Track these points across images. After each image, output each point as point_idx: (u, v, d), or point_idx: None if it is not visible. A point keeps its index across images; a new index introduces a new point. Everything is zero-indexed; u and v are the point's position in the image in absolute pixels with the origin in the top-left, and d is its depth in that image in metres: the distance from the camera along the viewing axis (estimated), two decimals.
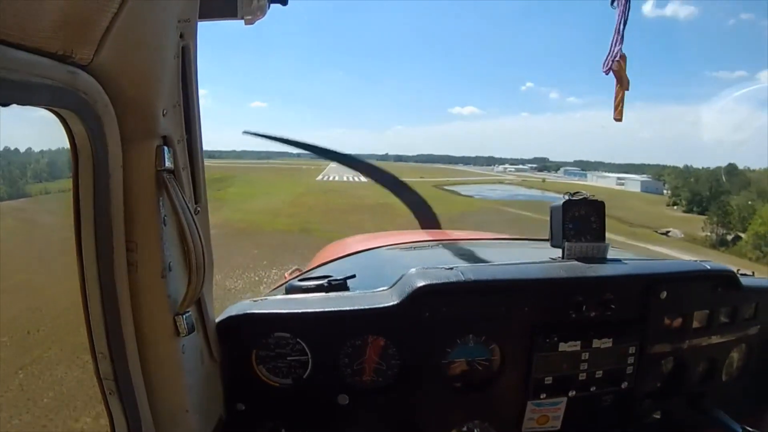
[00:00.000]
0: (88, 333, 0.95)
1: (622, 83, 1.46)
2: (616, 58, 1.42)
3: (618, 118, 1.52)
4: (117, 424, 1.01)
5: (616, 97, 1.48)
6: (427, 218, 3.42)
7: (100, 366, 0.97)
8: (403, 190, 3.63)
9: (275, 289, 2.12)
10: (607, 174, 77.13)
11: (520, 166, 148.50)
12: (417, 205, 3.52)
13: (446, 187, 50.76)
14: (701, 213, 36.19)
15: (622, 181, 65.14)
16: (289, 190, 36.04)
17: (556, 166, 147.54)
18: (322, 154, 3.71)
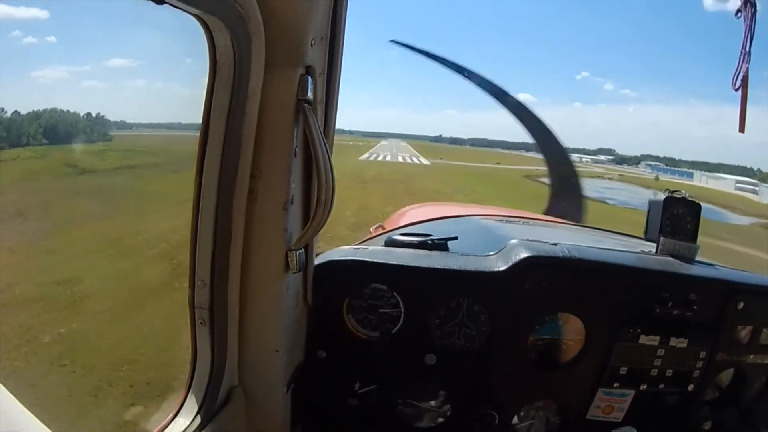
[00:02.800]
0: (192, 258, 0.93)
1: (745, 94, 1.42)
2: (744, 74, 1.40)
3: (742, 131, 1.49)
4: (200, 356, 0.99)
5: (740, 109, 1.45)
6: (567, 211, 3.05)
7: (196, 293, 0.95)
8: (563, 169, 3.40)
9: (365, 241, 1.98)
10: (723, 175, 64.56)
11: (596, 157, 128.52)
12: (565, 193, 3.20)
13: (543, 180, 34.19)
14: None
15: (750, 187, 52.92)
16: None
17: (636, 160, 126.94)
18: (462, 73, 3.86)
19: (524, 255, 1.37)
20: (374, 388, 1.45)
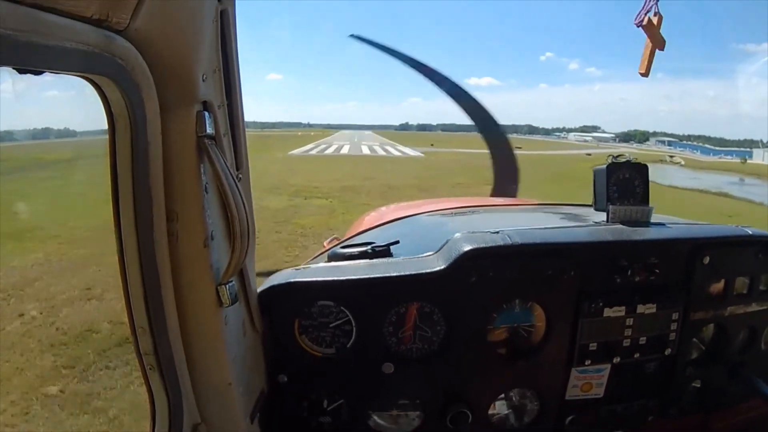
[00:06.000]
0: (128, 307, 0.96)
1: (655, 40, 1.50)
2: (650, 13, 1.46)
3: (643, 72, 1.56)
4: (157, 399, 1.04)
5: (644, 52, 1.52)
6: (506, 187, 3.37)
7: (140, 341, 0.98)
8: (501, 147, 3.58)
9: (315, 257, 2.07)
10: None
11: (598, 135, 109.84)
12: (504, 170, 3.42)
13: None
14: None
15: None
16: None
17: (643, 136, 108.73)
18: (417, 68, 3.85)
19: (463, 249, 1.37)
20: (342, 402, 1.51)
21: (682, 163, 40.68)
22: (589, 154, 36.64)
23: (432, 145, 51.01)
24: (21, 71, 0.64)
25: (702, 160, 49.19)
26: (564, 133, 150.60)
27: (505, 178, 3.48)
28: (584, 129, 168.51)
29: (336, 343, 1.44)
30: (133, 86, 0.81)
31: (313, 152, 34.89)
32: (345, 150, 34.56)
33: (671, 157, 45.49)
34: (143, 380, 1.03)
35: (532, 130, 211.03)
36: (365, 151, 35.43)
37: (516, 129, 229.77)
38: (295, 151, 34.37)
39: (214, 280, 1.04)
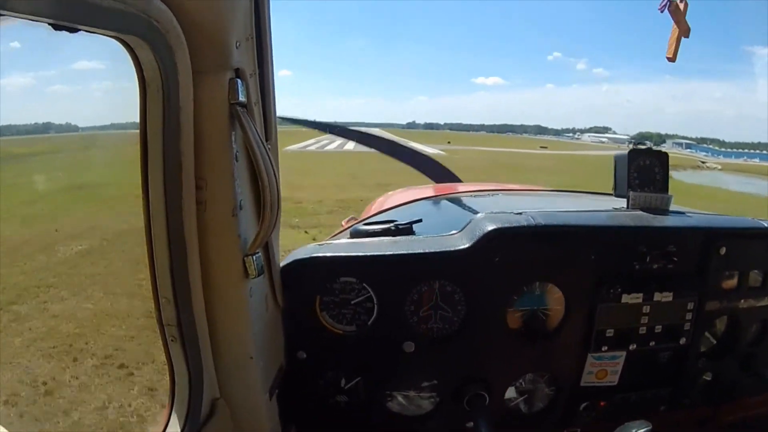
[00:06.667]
0: (152, 277, 0.96)
1: (681, 27, 1.49)
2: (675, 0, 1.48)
3: (671, 57, 1.55)
4: (177, 372, 1.03)
5: (671, 37, 1.51)
6: (440, 174, 3.39)
7: (163, 311, 0.97)
8: (404, 153, 3.64)
9: (336, 235, 2.07)
10: None
11: (613, 136, 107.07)
12: (423, 164, 3.47)
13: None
14: None
15: None
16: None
17: (659, 138, 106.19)
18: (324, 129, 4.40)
19: (487, 229, 1.38)
20: (359, 380, 1.50)
21: (719, 167, 38.41)
22: None
23: (449, 142, 48.28)
24: (56, 27, 0.64)
25: (728, 163, 48.34)
26: (578, 133, 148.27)
27: (430, 167, 3.45)
28: (596, 130, 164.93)
29: (357, 321, 1.44)
30: (166, 49, 0.80)
31: (312, 148, 32.18)
32: (350, 146, 31.10)
33: (703, 162, 43.12)
34: (164, 352, 1.02)
35: (540, 130, 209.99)
36: (361, 147, 31.78)
37: (525, 129, 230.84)
38: (292, 147, 31.40)
39: (242, 250, 1.02)
